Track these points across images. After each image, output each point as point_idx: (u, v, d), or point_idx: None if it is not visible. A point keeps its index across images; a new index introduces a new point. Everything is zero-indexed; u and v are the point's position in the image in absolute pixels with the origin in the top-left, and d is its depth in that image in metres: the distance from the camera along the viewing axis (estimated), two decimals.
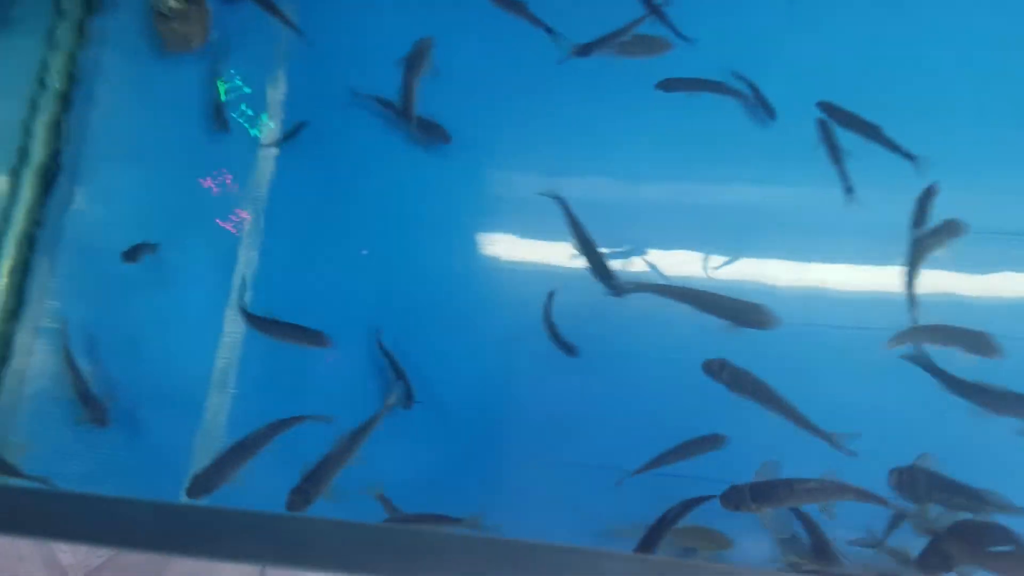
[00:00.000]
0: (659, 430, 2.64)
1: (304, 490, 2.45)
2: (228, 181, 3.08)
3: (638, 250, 2.95)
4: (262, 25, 3.17)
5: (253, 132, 3.13)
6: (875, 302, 2.88)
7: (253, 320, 2.87)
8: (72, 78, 3.11)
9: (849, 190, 2.88)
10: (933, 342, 2.60)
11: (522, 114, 3.13)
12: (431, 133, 3.06)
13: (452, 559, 1.60)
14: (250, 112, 3.16)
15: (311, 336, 2.81)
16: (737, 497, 2.37)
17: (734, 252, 2.95)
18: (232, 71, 3.18)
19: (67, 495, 1.82)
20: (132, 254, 2.87)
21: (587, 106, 3.10)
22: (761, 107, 2.99)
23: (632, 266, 2.94)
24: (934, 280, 2.80)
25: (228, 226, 3.04)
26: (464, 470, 2.78)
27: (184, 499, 2.50)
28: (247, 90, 3.19)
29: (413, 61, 3.08)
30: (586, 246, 2.84)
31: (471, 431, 2.84)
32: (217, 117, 3.07)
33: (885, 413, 2.65)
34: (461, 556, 1.60)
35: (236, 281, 2.99)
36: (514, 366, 2.90)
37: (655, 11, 3.10)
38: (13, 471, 2.59)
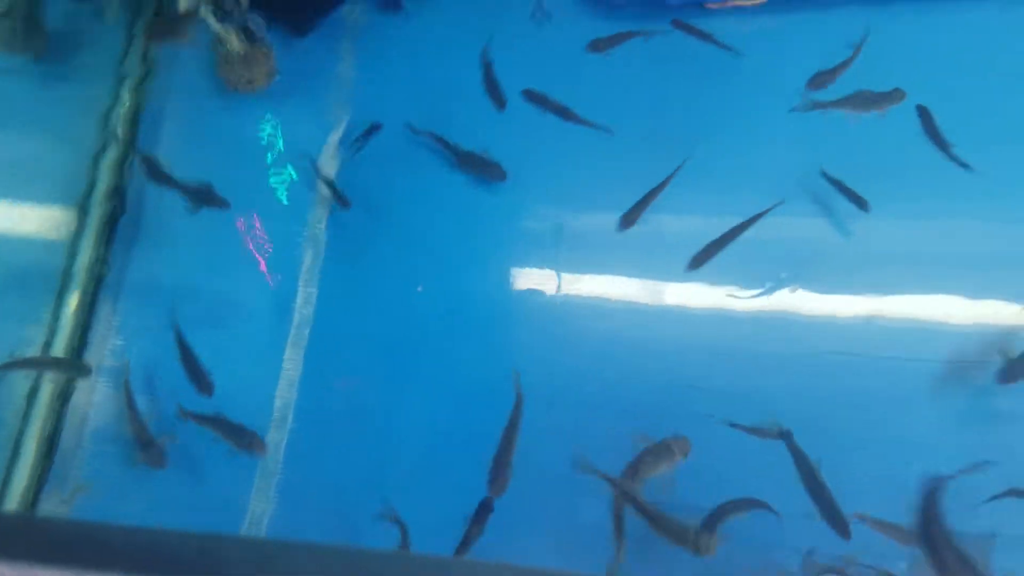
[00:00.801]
0: None
1: None
2: (287, 220, 3.11)
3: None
4: (324, 65, 3.25)
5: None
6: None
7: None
8: (137, 121, 3.18)
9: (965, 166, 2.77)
10: None
11: (578, 152, 3.14)
12: (487, 170, 3.09)
13: None
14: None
15: None
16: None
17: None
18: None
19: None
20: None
21: (644, 143, 3.12)
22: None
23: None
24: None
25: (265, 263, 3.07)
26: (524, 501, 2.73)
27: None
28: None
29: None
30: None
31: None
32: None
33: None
34: None
35: (295, 318, 3.01)
36: (568, 398, 2.85)
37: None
38: None
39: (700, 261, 2.75)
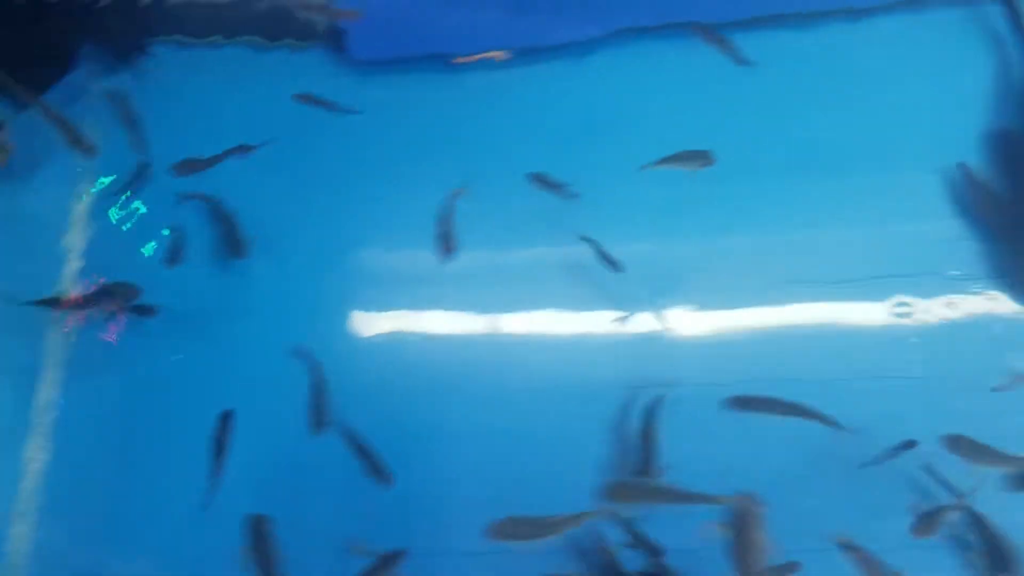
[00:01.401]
0: None
1: None
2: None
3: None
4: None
5: None
6: None
7: None
8: None
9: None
10: None
11: (326, 215, 3.10)
12: (231, 247, 3.03)
13: None
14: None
15: None
16: None
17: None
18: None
19: None
20: None
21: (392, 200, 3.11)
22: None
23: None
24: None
25: None
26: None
27: None
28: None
29: None
30: None
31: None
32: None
33: None
34: None
35: (38, 404, 2.91)
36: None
37: None
38: None
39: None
